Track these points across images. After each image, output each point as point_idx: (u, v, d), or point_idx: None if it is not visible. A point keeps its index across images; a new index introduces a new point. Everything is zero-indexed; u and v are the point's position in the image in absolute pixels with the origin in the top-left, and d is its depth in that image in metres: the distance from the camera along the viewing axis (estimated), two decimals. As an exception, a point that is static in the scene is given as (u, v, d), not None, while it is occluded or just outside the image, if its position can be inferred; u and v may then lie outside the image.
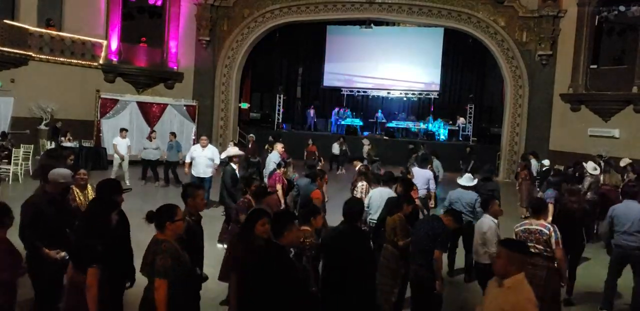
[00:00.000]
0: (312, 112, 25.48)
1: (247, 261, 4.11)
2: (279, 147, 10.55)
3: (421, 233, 5.37)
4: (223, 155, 9.93)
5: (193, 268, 4.17)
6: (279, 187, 8.34)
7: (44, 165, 5.93)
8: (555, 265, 5.39)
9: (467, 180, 7.98)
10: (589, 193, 9.99)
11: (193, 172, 11.35)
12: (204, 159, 11.30)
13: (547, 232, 5.31)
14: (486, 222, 5.97)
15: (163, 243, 3.83)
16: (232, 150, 9.99)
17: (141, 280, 4.24)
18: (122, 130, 14.86)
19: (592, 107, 17.77)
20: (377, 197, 7.25)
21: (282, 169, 8.87)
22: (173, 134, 15.30)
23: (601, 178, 11.55)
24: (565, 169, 12.12)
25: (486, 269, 5.71)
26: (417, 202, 7.92)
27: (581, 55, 17.87)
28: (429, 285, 5.27)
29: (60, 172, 5.15)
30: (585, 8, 17.72)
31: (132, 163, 15.18)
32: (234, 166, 9.25)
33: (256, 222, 4.46)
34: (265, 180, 9.59)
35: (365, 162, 11.50)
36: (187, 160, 11.61)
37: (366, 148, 18.32)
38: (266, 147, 15.40)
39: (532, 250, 5.30)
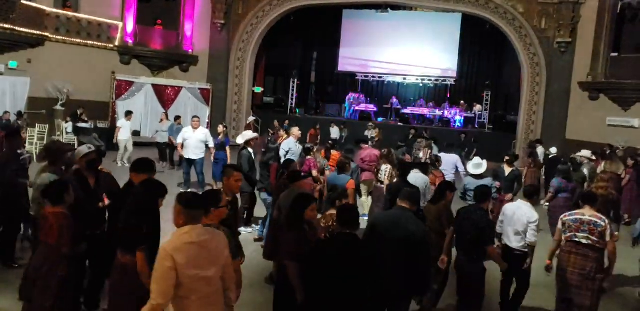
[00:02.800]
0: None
1: (302, 249, 4.16)
2: (295, 131, 10.29)
3: (467, 224, 5.27)
4: (239, 139, 9.75)
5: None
6: (315, 172, 8.33)
7: (49, 147, 5.98)
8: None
9: (474, 167, 7.93)
10: (587, 181, 10.22)
11: (184, 154, 11.26)
12: (194, 141, 11.13)
13: (603, 224, 5.21)
14: (530, 211, 5.75)
15: (220, 227, 3.85)
16: (248, 133, 9.79)
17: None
18: (128, 113, 14.80)
19: (611, 96, 17.50)
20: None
21: (313, 153, 8.85)
22: (179, 118, 15.08)
23: (602, 165, 11.56)
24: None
25: (522, 256, 5.67)
26: None
27: (601, 42, 17.55)
28: (475, 277, 5.23)
29: (81, 150, 5.28)
30: (607, -6, 17.39)
31: (147, 145, 15.20)
32: (250, 150, 9.03)
33: (306, 208, 4.44)
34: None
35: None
36: (179, 141, 11.43)
37: (372, 132, 18.06)
38: (269, 131, 15.24)
39: (584, 241, 5.25)
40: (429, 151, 11.04)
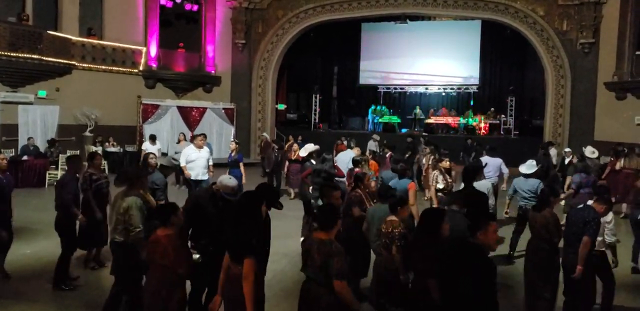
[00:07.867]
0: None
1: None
2: (356, 150, 10.72)
3: (575, 221, 5.34)
4: (302, 152, 10.19)
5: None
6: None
7: (125, 171, 6.20)
8: None
9: (527, 167, 8.13)
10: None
11: (192, 175, 10.20)
12: (201, 161, 10.26)
13: None
14: None
15: (333, 244, 3.85)
16: (310, 146, 10.21)
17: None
18: (152, 137, 15.02)
19: (638, 95, 17.21)
20: None
21: (361, 166, 9.05)
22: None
23: (622, 162, 11.94)
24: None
25: (601, 256, 5.67)
26: None
27: (625, 41, 17.33)
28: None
29: (230, 182, 5.24)
30: (629, -8, 17.20)
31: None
32: (314, 162, 9.37)
33: (442, 222, 4.45)
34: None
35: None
36: (183, 164, 10.20)
37: (374, 144, 17.96)
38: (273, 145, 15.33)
39: None
40: (433, 158, 11.14)
